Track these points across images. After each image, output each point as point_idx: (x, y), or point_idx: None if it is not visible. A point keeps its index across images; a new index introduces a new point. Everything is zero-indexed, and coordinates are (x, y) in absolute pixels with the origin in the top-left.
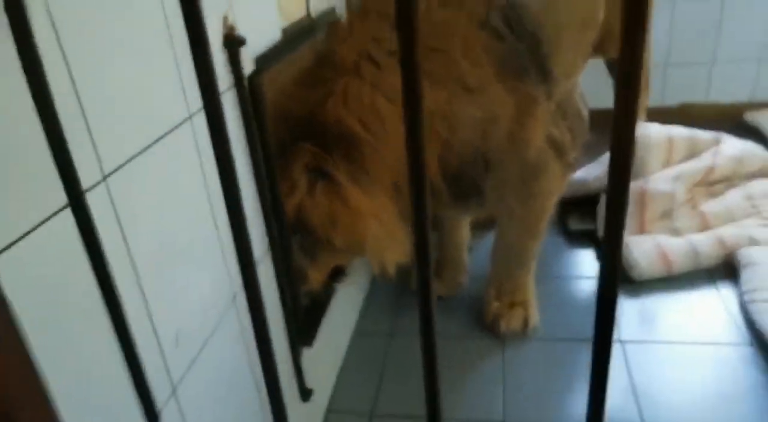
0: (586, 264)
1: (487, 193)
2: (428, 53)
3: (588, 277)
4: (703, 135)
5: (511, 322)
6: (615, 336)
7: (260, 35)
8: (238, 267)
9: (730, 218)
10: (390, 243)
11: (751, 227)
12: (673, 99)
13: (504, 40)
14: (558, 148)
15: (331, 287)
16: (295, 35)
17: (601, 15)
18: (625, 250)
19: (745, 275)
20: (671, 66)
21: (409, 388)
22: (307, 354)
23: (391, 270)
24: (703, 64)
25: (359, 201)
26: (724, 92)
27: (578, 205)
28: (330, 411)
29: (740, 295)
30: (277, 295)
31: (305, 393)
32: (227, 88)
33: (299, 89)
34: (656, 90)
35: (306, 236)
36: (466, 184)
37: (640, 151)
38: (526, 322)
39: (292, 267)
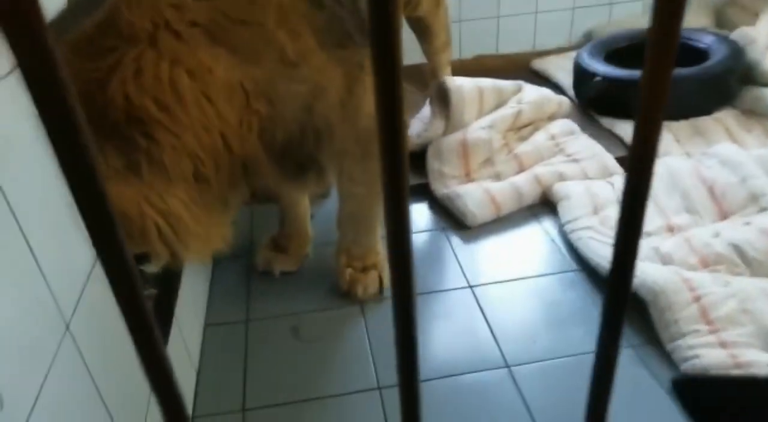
0: (421, 219)
1: (325, 165)
2: (237, 27)
3: (423, 231)
4: (506, 84)
5: (368, 287)
6: (464, 283)
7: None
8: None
9: (540, 158)
10: (206, 238)
11: (558, 164)
12: (468, 52)
13: (324, 8)
14: None
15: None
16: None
17: None
18: (457, 200)
19: (562, 208)
20: (464, 21)
21: (277, 375)
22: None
23: (199, 259)
24: (492, 19)
25: (153, 178)
26: (511, 43)
27: None
28: (196, 417)
29: (560, 227)
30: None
31: None
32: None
33: (77, 60)
34: (454, 45)
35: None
36: (300, 159)
37: (457, 104)
38: (381, 284)
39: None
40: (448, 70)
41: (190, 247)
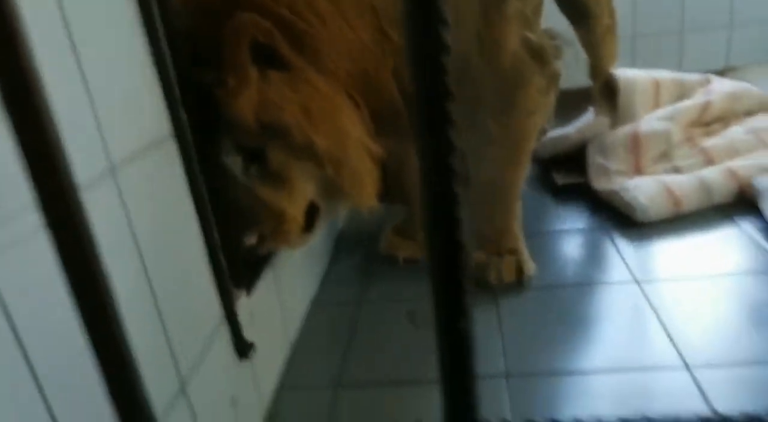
0: (578, 217)
1: (458, 119)
2: None
3: (580, 229)
4: (690, 77)
5: (503, 273)
6: (629, 277)
7: None
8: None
9: (734, 152)
10: (367, 163)
11: (760, 158)
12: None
13: None
14: (537, 55)
15: (307, 236)
16: None
17: None
18: (624, 193)
19: (767, 202)
20: (639, 37)
21: (382, 355)
22: (247, 305)
23: (370, 202)
24: (673, 34)
25: (327, 88)
26: (697, 61)
27: (562, 161)
28: (285, 388)
29: (767, 222)
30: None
31: (244, 347)
32: None
33: None
34: (625, 61)
35: (272, 149)
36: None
37: (625, 96)
38: (520, 271)
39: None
40: (615, 62)
41: (369, 180)
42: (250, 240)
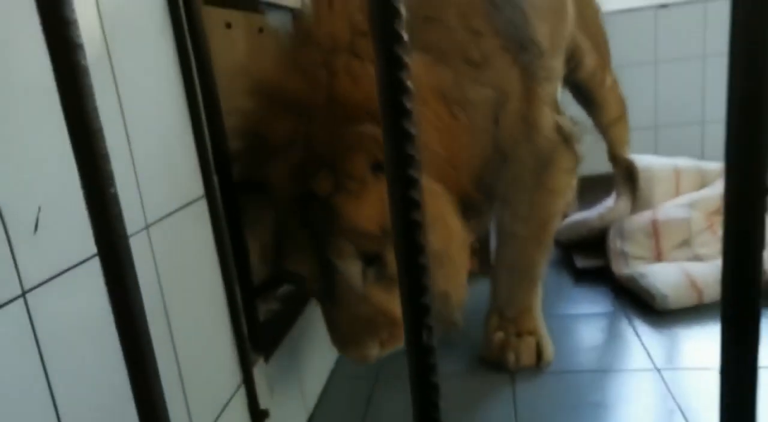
0: (597, 302)
1: (494, 200)
2: (423, 24)
3: (599, 314)
4: (711, 165)
5: (521, 355)
6: (649, 364)
7: None
8: None
9: None
10: (465, 257)
11: None
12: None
13: (499, 8)
14: (566, 136)
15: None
16: None
17: (570, 10)
18: (642, 280)
19: None
20: (661, 127)
21: None
22: (264, 371)
23: (462, 295)
24: (695, 125)
25: (431, 188)
26: (717, 151)
27: (582, 245)
28: None
29: None
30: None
31: (258, 415)
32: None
33: (285, 74)
34: (648, 151)
35: (390, 252)
36: (487, 187)
37: (645, 182)
38: (539, 354)
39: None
40: (626, 147)
41: (459, 283)
42: (371, 350)
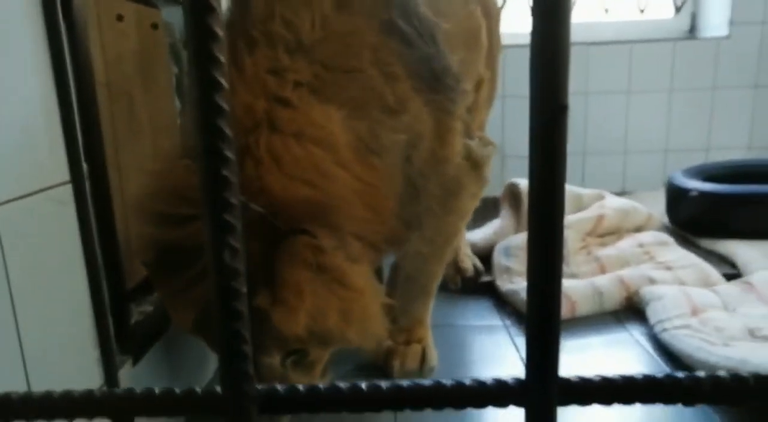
0: (481, 314)
1: (408, 224)
2: (339, 77)
3: (481, 326)
4: (587, 191)
5: (407, 360)
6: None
7: None
8: None
9: (625, 263)
10: (378, 316)
11: (648, 270)
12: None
13: (413, 46)
14: (475, 163)
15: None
16: None
17: (483, 37)
18: (522, 293)
19: (652, 309)
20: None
21: None
22: (131, 376)
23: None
24: (577, 155)
25: (356, 279)
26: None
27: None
28: None
29: (651, 328)
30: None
31: None
32: None
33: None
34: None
35: (313, 348)
36: (405, 219)
37: (526, 206)
38: (423, 360)
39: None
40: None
41: (377, 326)
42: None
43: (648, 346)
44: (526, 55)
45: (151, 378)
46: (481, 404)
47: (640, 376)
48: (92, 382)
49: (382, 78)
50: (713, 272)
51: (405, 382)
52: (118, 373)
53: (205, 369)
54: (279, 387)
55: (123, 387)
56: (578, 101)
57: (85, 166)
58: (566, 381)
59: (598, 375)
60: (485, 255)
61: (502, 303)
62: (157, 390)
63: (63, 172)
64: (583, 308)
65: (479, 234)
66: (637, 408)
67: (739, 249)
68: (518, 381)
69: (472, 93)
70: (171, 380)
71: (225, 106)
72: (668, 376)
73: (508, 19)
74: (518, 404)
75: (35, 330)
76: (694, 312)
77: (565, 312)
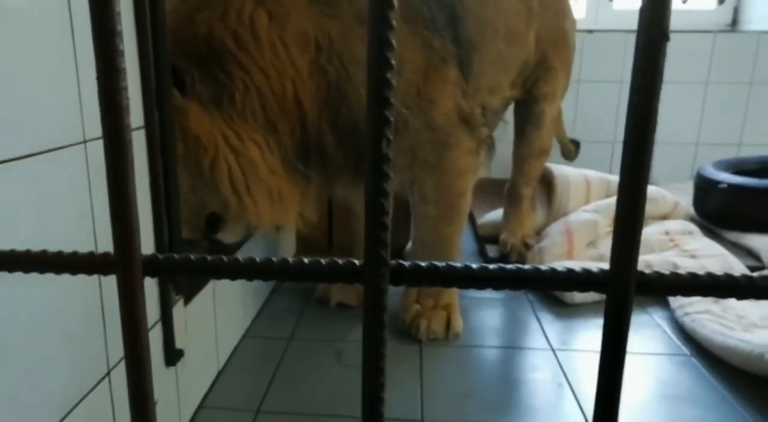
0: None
1: (394, 163)
2: None
3: (505, 298)
4: (615, 178)
5: (432, 324)
6: (546, 345)
7: None
8: None
9: (650, 249)
10: (278, 199)
11: (673, 256)
12: None
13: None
14: (466, 119)
15: (206, 242)
16: None
17: (530, 37)
18: None
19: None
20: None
21: (305, 389)
22: (182, 314)
23: (264, 223)
24: (607, 143)
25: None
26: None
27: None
28: (206, 406)
29: (673, 312)
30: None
31: (172, 355)
32: None
33: (190, 10)
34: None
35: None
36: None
37: (562, 190)
38: (448, 325)
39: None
40: (533, 185)
41: (259, 203)
42: None
43: (667, 329)
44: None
45: (200, 319)
46: (571, 287)
47: (712, 275)
48: (150, 315)
49: None
50: (738, 263)
51: (510, 266)
52: (171, 311)
53: (246, 313)
54: (406, 263)
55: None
56: (612, 89)
57: (156, 112)
58: (643, 274)
59: (671, 272)
60: (494, 237)
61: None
62: (306, 260)
63: (139, 117)
64: None
65: (491, 216)
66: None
67: (764, 243)
68: (603, 270)
69: (504, 86)
70: (216, 322)
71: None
72: (745, 276)
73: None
74: (601, 290)
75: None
76: (716, 299)
77: (593, 295)
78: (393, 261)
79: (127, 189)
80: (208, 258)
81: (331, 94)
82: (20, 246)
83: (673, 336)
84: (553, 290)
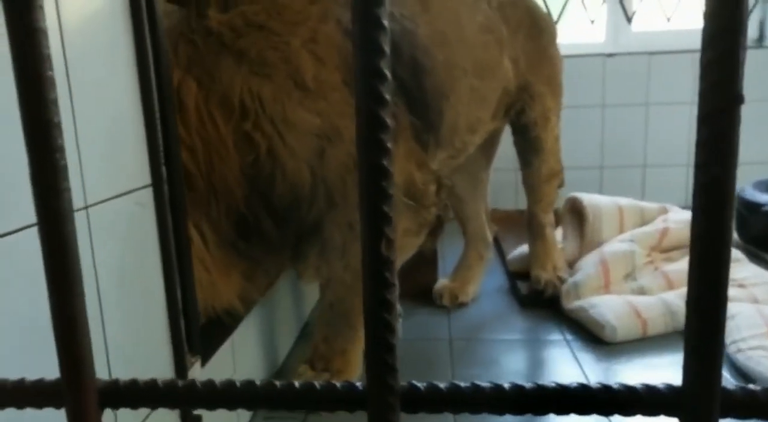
0: (542, 329)
1: (329, 240)
2: (252, 31)
3: (543, 340)
4: (649, 205)
5: None
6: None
7: None
8: None
9: None
10: (214, 289)
11: None
12: None
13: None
14: (415, 199)
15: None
16: None
17: (504, 65)
18: (592, 310)
19: (726, 328)
20: (606, 168)
21: None
22: (200, 376)
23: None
24: (636, 167)
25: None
26: (658, 194)
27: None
28: None
29: (725, 348)
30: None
31: (189, 421)
32: None
33: None
34: (593, 190)
35: None
36: (304, 226)
37: (594, 220)
38: None
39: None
40: (551, 211)
41: (219, 300)
42: None
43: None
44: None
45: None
46: (631, 411)
47: None
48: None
49: (309, 56)
50: None
51: (551, 384)
52: (188, 372)
53: (269, 368)
54: (419, 384)
55: (262, 379)
56: (638, 112)
57: (164, 169)
58: (727, 392)
59: (761, 387)
60: (524, 273)
61: (561, 316)
62: (297, 384)
63: (145, 175)
64: (655, 327)
65: (520, 251)
66: None
67: None
68: (672, 388)
69: (484, 120)
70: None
71: None
72: None
73: (564, 31)
74: (672, 413)
75: (117, 326)
76: None
77: (636, 330)
78: (404, 384)
79: (73, 300)
80: (180, 383)
81: (261, 165)
82: None
83: (726, 374)
84: (605, 414)
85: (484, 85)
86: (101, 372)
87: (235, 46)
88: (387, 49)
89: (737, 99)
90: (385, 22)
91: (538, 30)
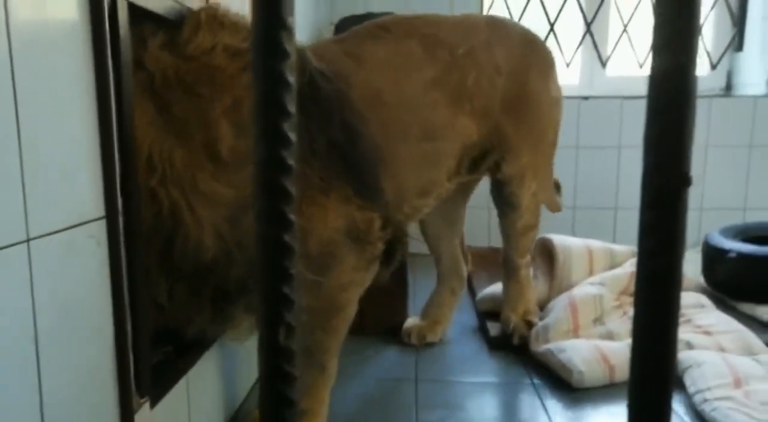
0: (507, 372)
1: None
2: (177, 90)
3: (508, 383)
4: (620, 247)
5: None
6: None
7: None
8: None
9: None
10: None
11: (685, 333)
12: None
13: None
14: (358, 239)
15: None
16: None
17: (460, 122)
18: (561, 354)
19: (690, 377)
20: (578, 209)
21: None
22: (149, 419)
23: None
24: (609, 210)
25: None
26: (630, 236)
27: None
28: None
29: (690, 397)
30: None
31: None
32: None
33: None
34: (565, 231)
35: None
36: (225, 285)
37: (564, 263)
38: None
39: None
40: (525, 257)
41: None
42: None
43: (686, 417)
44: None
45: None
46: None
47: None
48: None
49: (229, 126)
50: (756, 340)
51: None
52: (134, 415)
53: (227, 410)
54: None
55: None
56: (611, 155)
57: (120, 200)
58: None
59: None
60: (495, 312)
61: (527, 359)
62: None
63: (99, 208)
64: (622, 373)
65: (490, 290)
66: None
67: None
68: None
69: (439, 182)
70: None
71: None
72: None
73: None
74: None
75: (56, 366)
76: (737, 383)
77: (602, 376)
78: None
79: None
80: None
81: (161, 223)
82: None
83: None
84: None
85: (435, 146)
86: (33, 417)
87: (160, 95)
88: (292, 109)
89: (685, 181)
90: (290, 79)
91: (526, 66)
